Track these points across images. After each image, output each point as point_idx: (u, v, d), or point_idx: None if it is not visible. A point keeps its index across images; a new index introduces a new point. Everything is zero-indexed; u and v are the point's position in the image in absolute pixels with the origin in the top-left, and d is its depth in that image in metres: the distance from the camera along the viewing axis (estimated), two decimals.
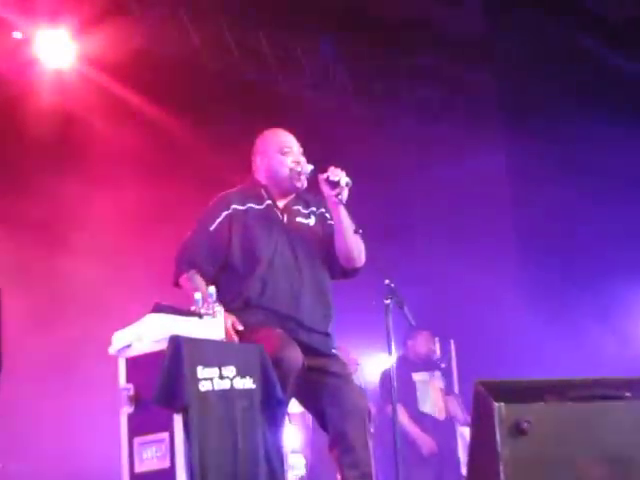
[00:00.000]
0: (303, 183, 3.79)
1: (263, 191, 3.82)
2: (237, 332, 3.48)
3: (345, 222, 3.68)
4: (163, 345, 3.16)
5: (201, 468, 3.05)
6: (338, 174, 3.66)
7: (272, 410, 3.33)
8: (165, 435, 3.12)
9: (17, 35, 6.56)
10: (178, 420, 3.10)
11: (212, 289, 3.40)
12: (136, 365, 3.27)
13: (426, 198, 8.19)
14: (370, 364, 7.50)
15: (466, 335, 7.72)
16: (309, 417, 5.46)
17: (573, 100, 7.45)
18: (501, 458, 2.70)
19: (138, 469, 3.20)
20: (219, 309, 3.38)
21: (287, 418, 3.75)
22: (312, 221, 3.83)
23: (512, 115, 8.33)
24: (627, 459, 2.82)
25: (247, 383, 3.27)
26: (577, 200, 7.68)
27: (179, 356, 3.11)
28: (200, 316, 3.32)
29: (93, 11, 6.49)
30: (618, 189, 7.61)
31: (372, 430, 3.60)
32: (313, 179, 3.76)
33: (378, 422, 6.09)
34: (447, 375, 7.24)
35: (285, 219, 3.78)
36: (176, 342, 3.14)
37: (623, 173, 7.53)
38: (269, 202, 3.80)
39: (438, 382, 6.89)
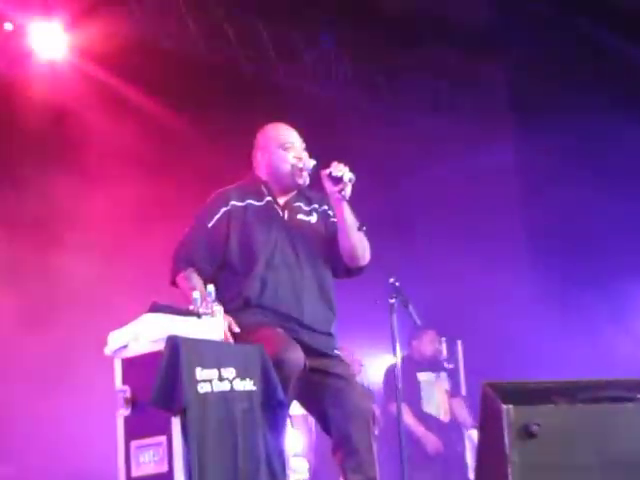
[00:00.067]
0: (305, 179, 3.79)
1: (263, 187, 3.82)
2: (234, 334, 3.48)
3: (349, 219, 3.68)
4: (160, 345, 3.17)
5: (200, 472, 3.06)
6: (341, 169, 3.67)
7: (273, 412, 3.34)
8: (163, 438, 3.13)
9: (8, 27, 6.56)
10: (176, 423, 3.11)
11: (211, 288, 3.41)
12: (133, 366, 3.28)
13: (432, 194, 8.18)
14: (374, 365, 7.51)
15: (474, 335, 7.72)
16: (312, 420, 5.47)
17: (586, 94, 7.44)
18: (509, 462, 2.71)
19: (135, 473, 3.20)
20: (218, 308, 3.39)
21: (289, 421, 3.76)
22: (314, 218, 3.83)
23: (521, 110, 8.34)
24: (639, 463, 2.82)
25: (247, 385, 3.28)
26: (589, 197, 7.68)
27: (177, 357, 3.12)
28: (198, 316, 3.33)
29: (87, 1, 6.50)
30: (632, 186, 7.61)
31: (376, 432, 3.62)
32: (316, 175, 3.77)
33: (382, 421, 6.13)
34: (454, 376, 7.26)
35: (286, 216, 3.78)
36: (174, 342, 3.15)
37: (638, 169, 7.53)
38: (269, 198, 3.80)
39: (444, 383, 6.90)
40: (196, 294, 3.40)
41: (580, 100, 7.43)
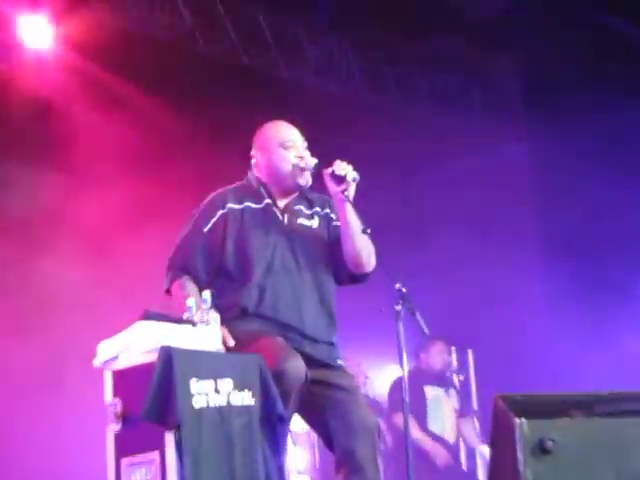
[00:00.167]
0: (307, 180, 3.79)
1: (262, 189, 3.81)
2: (228, 348, 3.46)
3: (352, 221, 3.68)
4: (153, 356, 3.17)
5: None
6: (344, 168, 3.67)
7: (273, 428, 3.34)
8: (155, 455, 3.13)
9: None
10: (170, 439, 3.10)
11: (207, 294, 3.40)
12: (123, 378, 3.28)
13: (441, 193, 8.19)
14: (380, 377, 7.51)
15: (485, 345, 7.72)
16: (314, 435, 5.47)
17: (603, 87, 7.44)
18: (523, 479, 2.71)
19: None
20: (214, 316, 3.39)
21: (290, 436, 3.75)
22: (315, 222, 3.83)
23: (536, 103, 8.35)
24: None
25: (245, 398, 3.28)
26: (609, 196, 7.68)
27: (170, 369, 3.12)
28: (193, 324, 3.33)
29: None
30: None
31: (382, 447, 3.61)
32: (318, 176, 3.76)
33: (386, 435, 6.12)
34: (464, 388, 7.24)
35: (285, 220, 3.78)
36: (167, 353, 3.15)
37: None
38: (268, 201, 3.79)
39: (452, 401, 6.86)
40: (191, 301, 3.40)
41: (598, 97, 7.44)
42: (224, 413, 3.20)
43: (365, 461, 3.49)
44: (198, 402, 3.14)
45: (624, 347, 7.54)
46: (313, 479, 6.44)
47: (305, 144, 3.86)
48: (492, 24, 7.72)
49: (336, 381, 3.63)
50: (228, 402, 3.22)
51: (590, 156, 7.70)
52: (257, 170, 3.88)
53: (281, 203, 3.81)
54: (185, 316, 3.37)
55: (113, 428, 3.26)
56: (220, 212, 3.74)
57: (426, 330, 3.54)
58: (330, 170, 3.68)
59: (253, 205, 3.78)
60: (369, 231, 3.65)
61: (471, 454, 6.97)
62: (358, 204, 3.70)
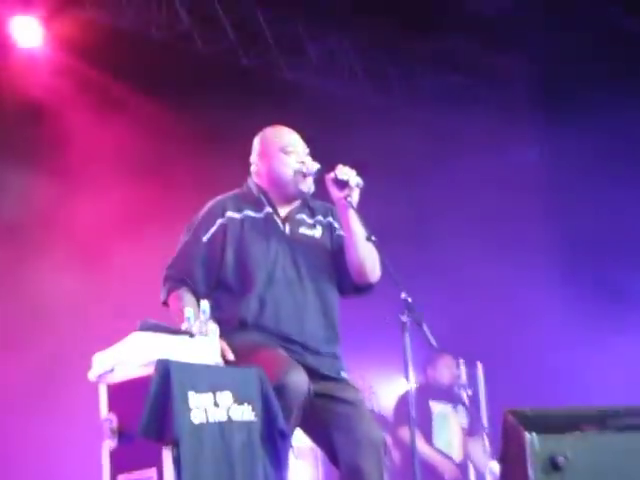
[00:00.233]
0: (309, 186, 3.80)
1: (263, 197, 3.82)
2: (227, 361, 3.47)
3: (356, 228, 3.69)
4: (150, 370, 3.17)
5: None
6: (347, 173, 3.68)
7: (274, 443, 3.34)
8: (152, 472, 3.14)
9: None
10: (167, 455, 3.11)
11: (205, 305, 3.41)
12: (119, 392, 3.29)
13: (449, 198, 8.20)
14: (387, 390, 7.50)
15: (496, 357, 7.71)
16: (319, 451, 5.47)
17: (619, 89, 7.45)
18: None
19: None
20: (213, 328, 3.40)
21: (292, 452, 3.77)
22: (318, 232, 3.84)
23: (547, 103, 8.35)
24: None
25: (245, 412, 3.29)
26: (624, 201, 7.68)
27: (167, 382, 3.13)
28: (191, 335, 3.34)
29: None
30: None
31: (388, 463, 3.62)
32: (321, 183, 3.77)
33: (393, 450, 6.12)
34: (474, 403, 7.22)
35: (287, 229, 3.79)
36: (164, 367, 3.16)
37: None
38: (269, 210, 3.80)
39: (460, 418, 6.83)
40: (189, 311, 3.40)
41: (613, 95, 7.43)
42: (224, 428, 3.21)
43: (371, 477, 3.50)
44: (196, 417, 3.15)
45: None
46: None
47: (307, 149, 3.86)
48: (500, 21, 7.72)
49: (340, 394, 3.63)
50: (228, 417, 3.23)
51: (605, 157, 7.70)
52: (257, 177, 3.88)
53: (282, 212, 3.82)
54: (183, 327, 3.38)
55: (109, 444, 3.27)
56: (219, 221, 3.75)
57: (433, 342, 3.53)
58: (332, 175, 3.69)
59: (253, 214, 3.79)
60: (374, 239, 3.64)
61: (480, 475, 6.94)
62: (362, 210, 3.71)
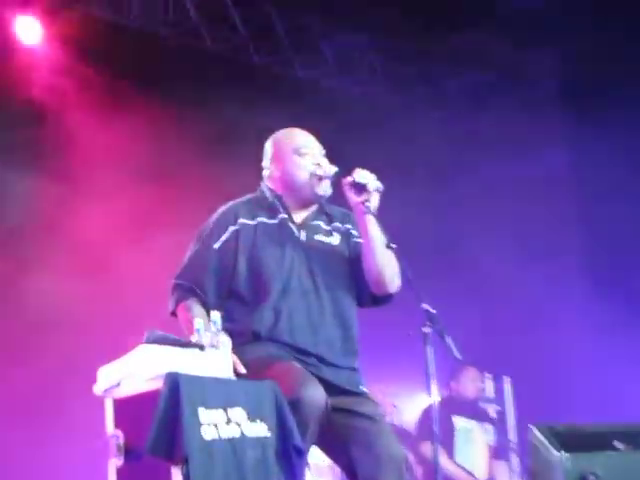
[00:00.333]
0: (326, 189, 3.81)
1: (277, 202, 3.83)
2: (239, 375, 3.48)
3: (375, 235, 3.69)
4: (158, 384, 3.18)
5: None
6: (366, 177, 3.69)
7: (289, 461, 3.34)
8: None
9: None
10: (177, 473, 3.11)
11: (216, 315, 3.41)
12: (126, 408, 3.30)
13: (473, 203, 8.20)
14: (409, 405, 7.50)
15: (525, 372, 7.70)
16: (337, 468, 5.47)
17: None
18: None
19: None
20: (224, 339, 3.41)
21: (308, 470, 3.77)
22: (335, 239, 3.85)
23: (578, 104, 8.33)
24: None
25: (259, 429, 3.29)
26: None
27: (177, 397, 3.13)
28: (202, 348, 3.35)
29: None
30: None
31: None
32: (338, 187, 3.78)
33: (415, 466, 6.12)
34: (501, 419, 7.21)
35: (303, 236, 3.80)
36: (173, 380, 3.16)
37: None
38: (284, 216, 3.81)
39: (487, 436, 6.82)
40: (198, 323, 3.40)
41: None
42: (236, 445, 3.21)
43: None
44: (207, 433, 3.15)
45: None
46: None
47: (323, 151, 3.87)
48: (528, 18, 7.71)
49: (359, 409, 3.64)
50: (240, 433, 3.24)
51: (638, 161, 7.69)
52: (270, 181, 3.89)
53: (298, 218, 3.83)
54: (193, 339, 3.39)
55: (115, 462, 3.28)
56: (231, 228, 3.76)
57: (457, 354, 3.53)
58: (350, 179, 3.69)
59: (267, 220, 3.80)
60: (394, 246, 3.64)
61: None
62: (381, 216, 3.71)
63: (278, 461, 3.30)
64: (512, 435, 7.40)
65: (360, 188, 3.68)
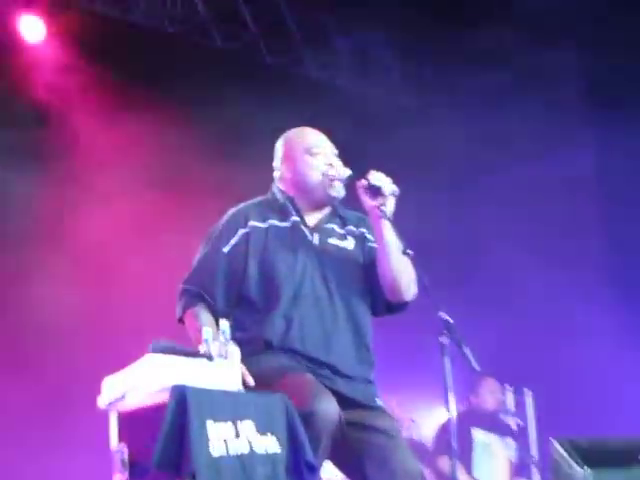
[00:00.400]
0: (339, 191, 3.80)
1: (289, 204, 3.83)
2: (248, 387, 3.46)
3: (390, 241, 3.68)
4: (164, 396, 3.17)
5: None
6: (381, 180, 3.68)
7: (301, 477, 3.33)
8: None
9: None
10: None
11: (225, 324, 3.40)
12: (131, 421, 3.30)
13: (495, 208, 8.19)
14: (427, 419, 7.49)
15: (547, 383, 7.68)
16: None
17: None
18: None
19: None
20: (234, 349, 3.40)
21: None
22: (350, 243, 3.84)
23: (602, 105, 8.31)
24: None
25: (269, 444, 3.28)
26: None
27: (184, 410, 3.12)
28: (210, 358, 3.35)
29: None
30: None
31: None
32: (352, 191, 3.77)
33: None
34: (523, 434, 7.19)
35: (316, 240, 3.79)
36: (180, 392, 3.16)
37: None
38: (296, 218, 3.80)
39: (509, 451, 6.79)
40: (207, 332, 3.39)
41: None
42: (245, 462, 3.20)
43: None
44: (215, 448, 3.14)
45: None
46: None
47: (335, 151, 3.87)
48: (548, 14, 7.70)
49: (374, 423, 3.62)
50: (250, 448, 3.23)
51: None
52: (282, 183, 3.90)
53: (310, 221, 3.83)
54: (201, 349, 3.39)
55: (119, 478, 3.27)
56: (242, 231, 3.76)
57: (475, 365, 3.51)
58: (364, 182, 3.68)
59: (279, 223, 3.79)
60: (410, 252, 3.61)
61: None
62: (397, 221, 3.69)
63: (289, 478, 3.29)
64: (534, 450, 7.37)
65: (375, 191, 3.67)
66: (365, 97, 8.07)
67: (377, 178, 3.68)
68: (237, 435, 3.22)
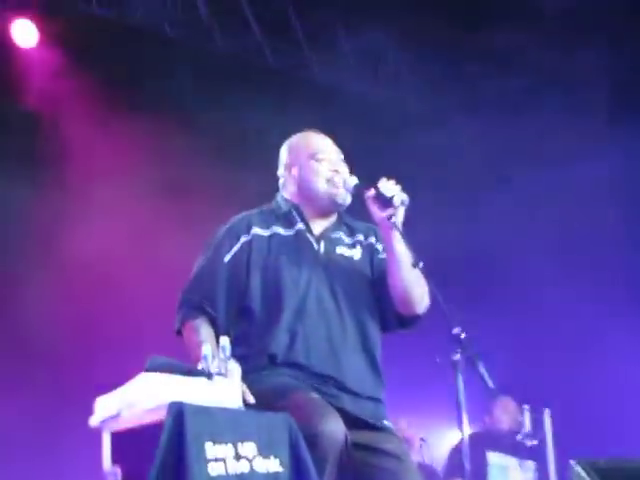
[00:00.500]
0: (345, 198, 3.80)
1: (294, 211, 3.84)
2: (249, 405, 3.45)
3: (401, 253, 3.67)
4: (161, 415, 3.17)
5: None
6: (391, 189, 3.67)
7: None
8: None
9: None
10: None
11: (225, 341, 3.41)
12: (125, 441, 3.28)
13: (508, 217, 8.18)
14: (439, 441, 7.47)
15: (566, 403, 7.66)
16: None
17: None
18: None
19: None
20: (234, 367, 3.39)
21: None
22: (358, 253, 3.84)
23: (624, 109, 8.31)
24: None
25: (272, 465, 3.27)
26: None
27: (181, 429, 3.11)
28: (209, 376, 3.34)
29: None
30: None
31: None
32: (359, 200, 3.76)
33: None
34: (540, 455, 7.16)
35: (322, 249, 3.79)
36: (178, 411, 3.15)
37: None
38: (301, 226, 3.81)
39: (527, 475, 6.76)
40: (206, 348, 3.39)
41: None
42: None
43: None
44: (214, 470, 3.13)
45: None
46: None
47: (341, 156, 3.88)
48: (569, 18, 7.72)
49: (383, 446, 3.62)
50: (251, 470, 3.23)
51: None
52: (286, 190, 3.90)
53: (316, 229, 3.83)
54: (199, 366, 3.38)
55: None
56: (243, 239, 3.76)
57: (490, 384, 3.50)
58: (374, 191, 3.68)
59: (283, 231, 3.79)
60: (421, 265, 3.60)
61: None
62: (408, 232, 3.68)
63: None
64: (552, 471, 7.34)
65: (385, 201, 3.66)
66: (374, 102, 8.07)
67: (387, 188, 3.68)
68: (237, 456, 3.21)
